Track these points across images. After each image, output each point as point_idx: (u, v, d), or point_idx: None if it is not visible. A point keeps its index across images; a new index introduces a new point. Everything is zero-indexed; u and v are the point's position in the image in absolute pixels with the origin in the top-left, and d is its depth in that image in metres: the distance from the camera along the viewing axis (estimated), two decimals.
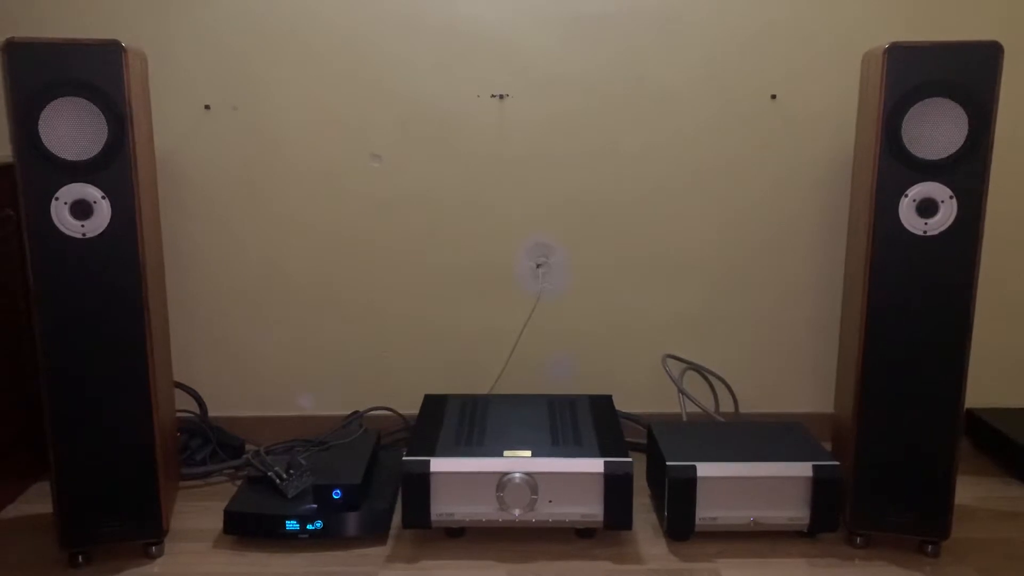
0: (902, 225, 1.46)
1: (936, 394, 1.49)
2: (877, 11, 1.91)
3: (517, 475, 1.53)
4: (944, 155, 1.43)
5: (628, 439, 1.82)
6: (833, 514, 1.56)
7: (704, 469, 1.55)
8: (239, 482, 1.84)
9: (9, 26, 1.87)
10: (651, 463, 1.74)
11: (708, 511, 1.56)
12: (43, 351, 1.44)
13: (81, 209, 1.41)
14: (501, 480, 1.54)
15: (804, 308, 2.04)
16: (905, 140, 1.44)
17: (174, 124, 1.94)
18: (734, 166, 1.98)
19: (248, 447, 1.97)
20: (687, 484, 1.55)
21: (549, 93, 1.94)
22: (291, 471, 1.66)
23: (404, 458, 1.55)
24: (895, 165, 1.45)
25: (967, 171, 1.43)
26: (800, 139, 1.96)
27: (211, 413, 2.01)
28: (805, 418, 1.94)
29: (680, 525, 1.57)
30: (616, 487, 1.53)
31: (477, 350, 2.06)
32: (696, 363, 2.07)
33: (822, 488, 1.55)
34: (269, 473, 1.66)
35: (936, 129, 1.42)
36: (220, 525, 1.62)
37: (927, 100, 1.42)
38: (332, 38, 1.91)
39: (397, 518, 1.66)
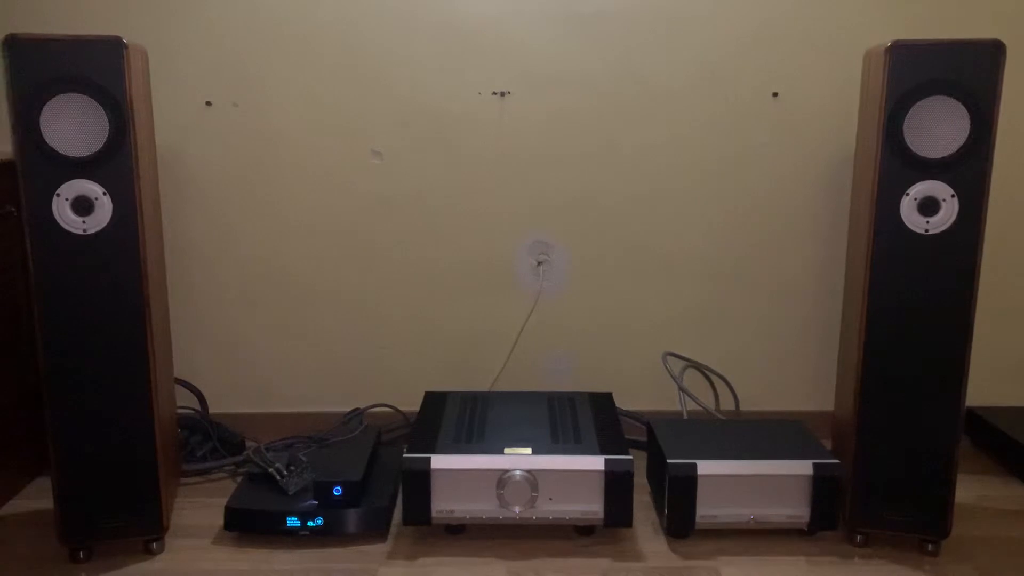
0: (903, 223, 1.46)
1: (936, 392, 1.49)
2: (879, 9, 1.90)
3: (517, 472, 1.54)
4: (946, 154, 1.43)
5: (628, 437, 1.82)
6: (833, 512, 1.56)
7: (704, 467, 1.56)
8: (239, 478, 1.84)
9: (10, 22, 1.87)
10: (651, 461, 1.74)
11: (708, 509, 1.57)
12: (44, 347, 1.44)
13: (82, 205, 1.41)
14: (501, 477, 1.54)
15: (805, 306, 2.04)
16: (907, 138, 1.44)
17: (175, 120, 1.94)
18: (735, 164, 1.97)
19: (248, 443, 1.97)
20: (687, 482, 1.55)
21: (550, 91, 1.94)
22: (291, 467, 1.66)
23: (404, 455, 1.55)
24: (896, 163, 1.45)
25: (969, 170, 1.43)
26: (802, 137, 1.96)
27: (211, 409, 2.02)
28: (805, 416, 1.94)
29: (680, 523, 1.57)
30: (616, 485, 1.53)
31: (478, 347, 2.06)
32: (697, 361, 2.07)
33: (822, 486, 1.55)
34: (270, 469, 1.66)
35: (938, 128, 1.42)
36: (221, 521, 1.62)
37: (929, 98, 1.42)
38: (333, 35, 1.91)
39: (397, 515, 1.67)
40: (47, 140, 1.38)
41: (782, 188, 1.99)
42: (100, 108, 1.39)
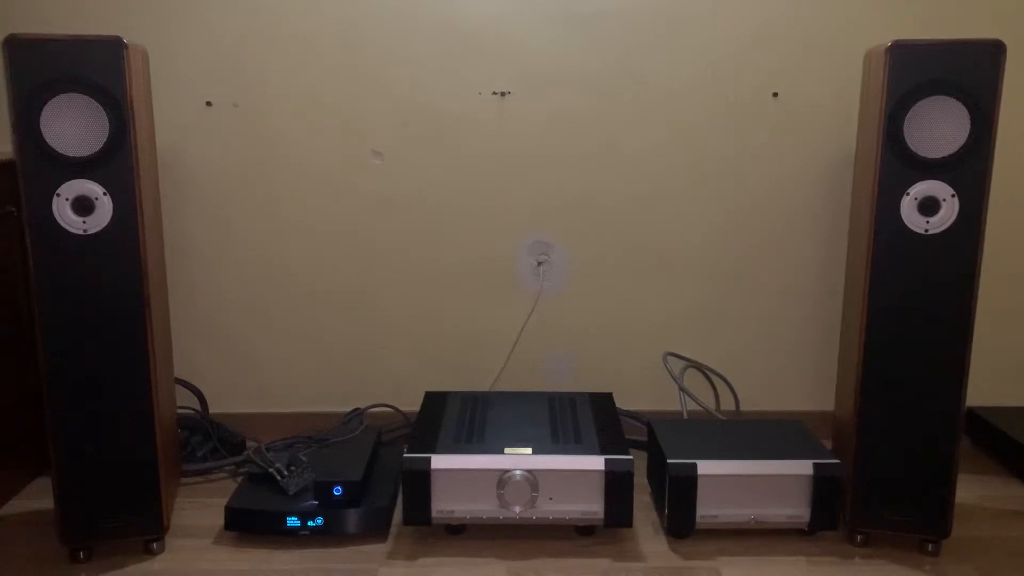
0: (903, 223, 1.46)
1: (936, 392, 1.49)
2: (879, 9, 1.90)
3: (518, 472, 1.54)
4: (946, 153, 1.43)
5: (628, 437, 1.82)
6: (833, 512, 1.56)
7: (705, 467, 1.56)
8: (240, 478, 1.84)
9: (10, 22, 1.87)
10: (652, 461, 1.74)
11: (708, 509, 1.57)
12: (44, 347, 1.44)
13: (83, 205, 1.41)
14: (502, 477, 1.54)
15: (805, 306, 2.04)
16: (907, 138, 1.44)
17: (175, 120, 1.94)
18: (735, 164, 1.97)
19: (249, 443, 1.97)
20: (688, 482, 1.55)
21: (550, 91, 1.94)
22: (292, 467, 1.66)
23: (405, 455, 1.55)
24: (897, 163, 1.45)
25: (969, 170, 1.43)
26: (802, 137, 1.96)
27: (212, 409, 2.02)
28: (806, 416, 1.95)
29: (680, 523, 1.57)
30: (616, 484, 1.53)
31: (478, 347, 2.06)
32: (697, 361, 2.07)
33: (822, 486, 1.55)
34: (270, 469, 1.66)
35: (938, 127, 1.42)
36: (221, 521, 1.62)
37: (929, 98, 1.42)
38: (333, 35, 1.91)
39: (398, 515, 1.67)
40: (47, 140, 1.38)
41: (782, 188, 1.99)
42: (100, 108, 1.39)
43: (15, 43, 1.36)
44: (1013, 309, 2.04)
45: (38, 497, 1.77)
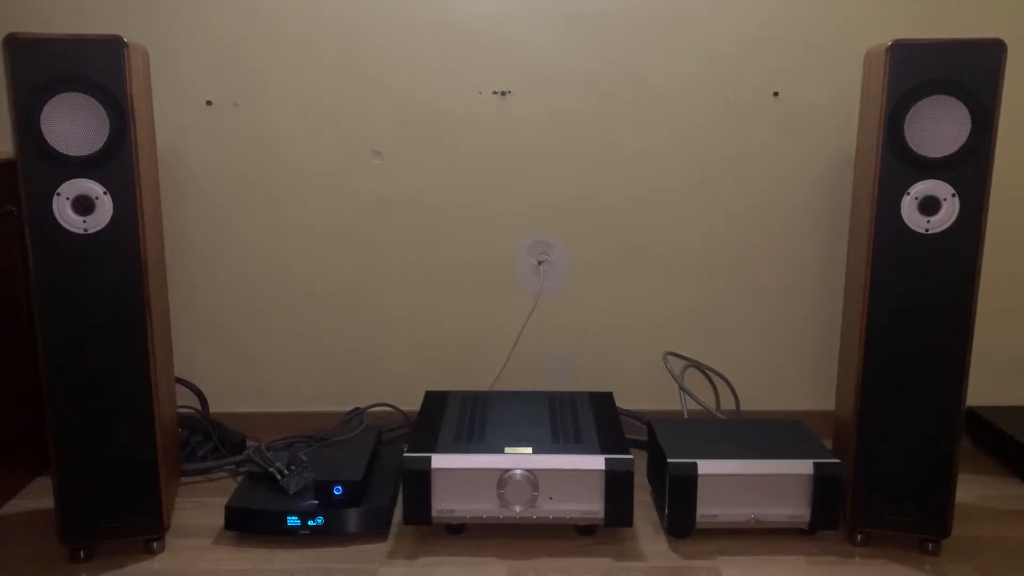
0: (904, 223, 1.46)
1: (937, 392, 1.49)
2: (879, 8, 1.90)
3: (518, 472, 1.54)
4: (947, 153, 1.43)
5: (629, 436, 1.82)
6: (833, 512, 1.56)
7: (705, 466, 1.56)
8: (240, 478, 1.84)
9: (10, 22, 1.86)
10: (652, 460, 1.74)
11: (709, 508, 1.57)
12: (44, 347, 1.44)
13: (83, 205, 1.41)
14: (502, 477, 1.54)
15: (805, 305, 2.04)
16: (907, 138, 1.44)
17: (176, 120, 1.94)
18: (736, 163, 1.97)
19: (249, 443, 1.97)
20: (688, 481, 1.55)
21: (550, 91, 1.94)
22: (292, 467, 1.66)
23: (405, 454, 1.55)
24: (897, 163, 1.45)
25: (969, 169, 1.43)
26: (802, 136, 1.96)
27: (212, 409, 2.02)
28: (806, 416, 1.94)
29: (681, 522, 1.57)
30: (617, 484, 1.53)
31: (478, 347, 2.06)
32: (697, 360, 2.07)
33: (823, 486, 1.55)
34: (270, 469, 1.66)
35: (939, 127, 1.42)
36: (221, 521, 1.62)
37: (930, 98, 1.42)
38: (334, 35, 1.91)
39: (398, 514, 1.67)
40: (47, 140, 1.38)
41: (782, 188, 1.99)
42: (100, 107, 1.39)
43: (15, 43, 1.36)
44: (1013, 309, 2.04)
45: (38, 497, 1.77)
